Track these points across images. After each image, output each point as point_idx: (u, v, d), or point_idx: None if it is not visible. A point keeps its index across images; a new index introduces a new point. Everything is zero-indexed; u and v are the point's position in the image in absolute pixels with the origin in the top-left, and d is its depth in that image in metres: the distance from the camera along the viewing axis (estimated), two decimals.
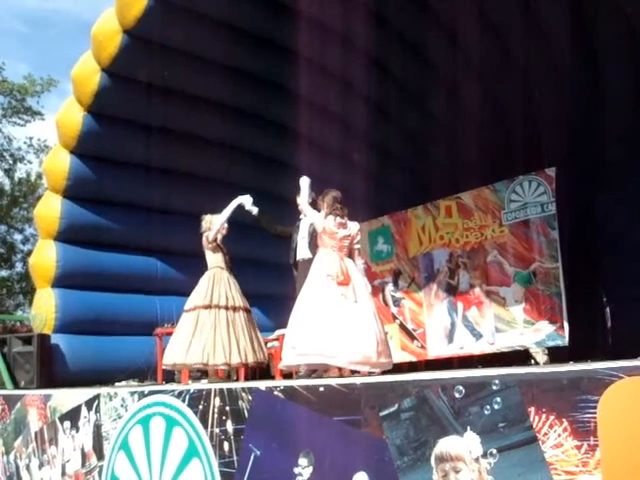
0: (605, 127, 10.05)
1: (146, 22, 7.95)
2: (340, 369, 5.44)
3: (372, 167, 11.46)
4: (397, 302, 8.61)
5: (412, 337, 8.40)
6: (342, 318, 5.39)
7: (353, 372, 5.45)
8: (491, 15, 9.60)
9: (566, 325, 7.10)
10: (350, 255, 5.88)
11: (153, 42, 8.23)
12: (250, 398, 4.59)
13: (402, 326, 8.51)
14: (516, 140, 10.51)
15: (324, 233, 5.85)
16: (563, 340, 7.13)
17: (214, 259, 6.77)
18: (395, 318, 8.60)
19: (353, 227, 5.97)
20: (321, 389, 4.19)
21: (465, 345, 7.90)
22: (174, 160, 9.27)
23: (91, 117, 8.63)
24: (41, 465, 6.66)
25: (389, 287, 8.68)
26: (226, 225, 6.85)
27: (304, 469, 4.18)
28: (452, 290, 8.10)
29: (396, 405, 3.76)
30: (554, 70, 10.18)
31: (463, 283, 8.00)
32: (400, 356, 8.34)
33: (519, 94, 10.63)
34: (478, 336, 7.77)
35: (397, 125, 11.43)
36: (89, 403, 6.06)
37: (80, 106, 8.61)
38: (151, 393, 5.50)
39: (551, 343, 7.30)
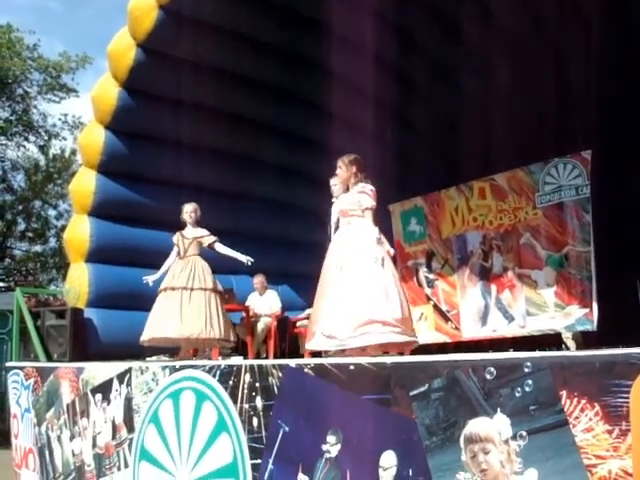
0: None
1: None
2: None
3: (405, 147, 11.40)
4: (431, 283, 8.59)
5: (446, 318, 8.38)
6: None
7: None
8: None
9: (595, 310, 7.03)
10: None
11: (189, 17, 8.25)
12: (280, 375, 4.61)
13: (436, 307, 8.50)
14: (549, 120, 10.39)
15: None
16: (592, 324, 7.07)
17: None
18: (429, 299, 8.59)
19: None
20: (351, 367, 4.20)
21: (498, 328, 7.87)
22: (207, 137, 9.29)
23: (126, 92, 8.67)
24: (72, 437, 6.76)
25: (423, 268, 8.66)
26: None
27: (332, 446, 4.19)
28: (485, 272, 8.06)
29: (426, 385, 3.75)
30: (588, 49, 10.02)
31: (496, 266, 7.95)
32: (434, 337, 8.35)
33: (553, 74, 10.49)
34: (510, 319, 7.74)
35: (429, 104, 11.35)
36: (121, 377, 6.13)
37: (115, 81, 8.65)
38: (182, 368, 5.56)
39: (580, 327, 7.25)
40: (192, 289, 6.97)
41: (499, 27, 10.01)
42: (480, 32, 10.03)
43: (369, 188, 5.56)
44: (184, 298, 6.92)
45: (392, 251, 5.58)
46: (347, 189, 5.75)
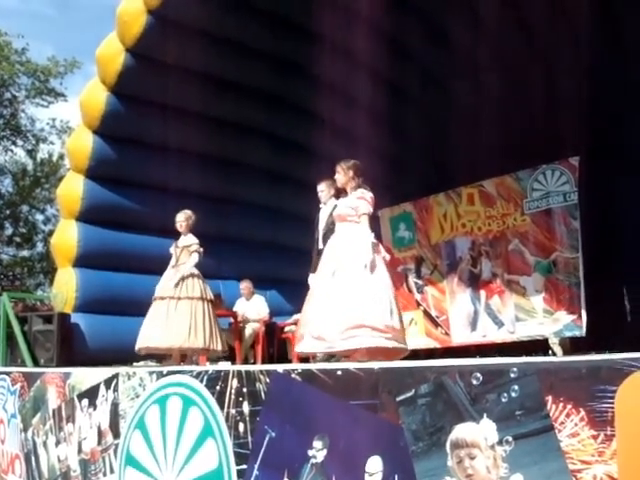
0: (629, 113, 9.95)
1: (170, 2, 7.96)
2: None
3: (393, 152, 11.41)
4: (420, 289, 8.62)
5: (436, 324, 8.41)
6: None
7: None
8: None
9: (584, 315, 7.06)
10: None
11: (177, 23, 8.25)
12: (267, 380, 4.59)
13: (426, 313, 8.52)
14: (538, 125, 10.41)
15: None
16: (580, 330, 7.10)
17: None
18: (419, 305, 8.60)
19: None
20: (339, 373, 4.19)
21: (487, 333, 7.90)
22: (195, 142, 9.28)
23: (115, 97, 8.66)
24: (58, 442, 6.72)
25: (412, 274, 8.67)
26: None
27: (318, 452, 4.18)
28: (475, 278, 8.08)
29: (413, 390, 3.74)
30: (578, 53, 10.05)
31: (485, 271, 7.98)
32: (425, 342, 8.36)
33: (542, 76, 10.53)
34: (500, 324, 7.76)
35: (418, 110, 11.37)
36: (108, 382, 6.10)
37: (104, 86, 8.65)
38: (170, 373, 5.53)
39: (568, 333, 7.28)
40: (179, 298, 7.04)
41: (489, 33, 10.03)
42: (470, 38, 10.05)
43: (369, 195, 5.61)
44: (170, 307, 7.00)
45: (388, 257, 5.60)
46: (345, 193, 5.79)
